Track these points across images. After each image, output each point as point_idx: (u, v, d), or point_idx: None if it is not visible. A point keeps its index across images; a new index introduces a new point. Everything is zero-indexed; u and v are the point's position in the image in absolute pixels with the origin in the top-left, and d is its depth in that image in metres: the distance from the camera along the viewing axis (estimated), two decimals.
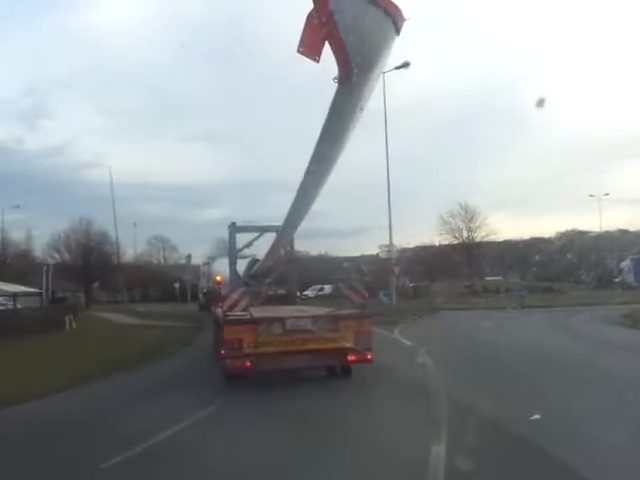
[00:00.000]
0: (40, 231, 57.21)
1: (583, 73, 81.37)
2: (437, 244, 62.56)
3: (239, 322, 10.25)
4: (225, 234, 20.80)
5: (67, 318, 23.93)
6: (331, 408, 8.55)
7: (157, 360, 14.88)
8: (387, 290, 31.41)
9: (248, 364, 9.91)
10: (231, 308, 10.49)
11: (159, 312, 37.24)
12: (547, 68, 79.20)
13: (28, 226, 50.96)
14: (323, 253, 67.68)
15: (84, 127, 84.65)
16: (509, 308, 33.35)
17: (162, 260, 71.56)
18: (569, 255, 54.80)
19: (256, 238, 20.48)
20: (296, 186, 10.97)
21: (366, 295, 11.68)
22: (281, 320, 10.36)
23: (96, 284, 55.40)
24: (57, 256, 48.18)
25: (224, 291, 13.09)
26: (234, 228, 20.25)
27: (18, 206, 51.04)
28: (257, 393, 9.73)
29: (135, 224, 61.15)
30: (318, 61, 6.43)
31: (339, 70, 7.03)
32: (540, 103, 12.49)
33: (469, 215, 60.26)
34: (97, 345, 17.65)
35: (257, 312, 11.27)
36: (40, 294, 27.19)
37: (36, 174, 65.60)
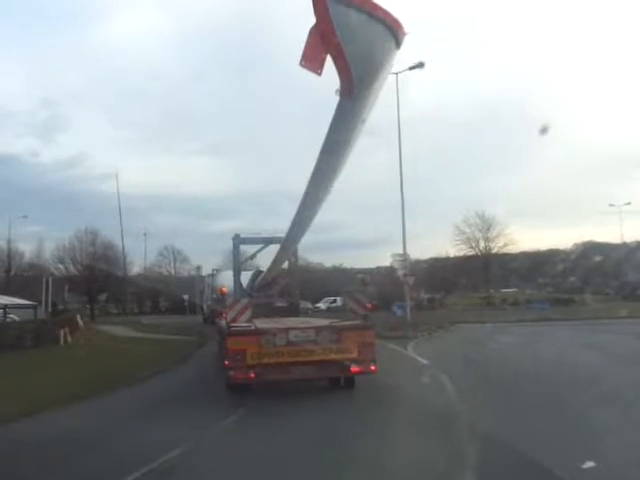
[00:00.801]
0: (53, 243, 57.00)
1: (604, 81, 79.42)
2: (452, 255, 60.82)
3: (243, 333, 10.28)
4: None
5: (62, 332, 22.63)
6: (340, 442, 7.15)
7: (144, 381, 13.41)
8: (400, 302, 29.76)
9: (252, 375, 9.91)
10: (235, 319, 10.56)
11: (164, 325, 36.41)
12: (567, 77, 78.40)
13: (40, 237, 50.18)
14: (338, 265, 67.11)
15: (98, 140, 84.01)
16: (530, 321, 31.57)
17: (173, 271, 70.99)
18: (588, 267, 52.75)
19: (260, 250, 20.83)
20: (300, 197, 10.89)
21: (369, 306, 11.42)
22: (284, 331, 10.33)
23: (104, 296, 54.38)
24: (62, 267, 47.28)
25: (228, 302, 12.82)
26: (238, 240, 20.42)
27: (26, 217, 50.66)
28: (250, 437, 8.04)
29: (145, 234, 61.09)
30: (320, 74, 6.51)
31: (341, 83, 7.11)
32: (544, 131, 12.75)
33: (486, 224, 58.26)
34: (85, 362, 16.30)
35: (261, 323, 11.26)
36: (34, 306, 25.86)
37: (50, 186, 65.82)
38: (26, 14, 76.69)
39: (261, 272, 22.25)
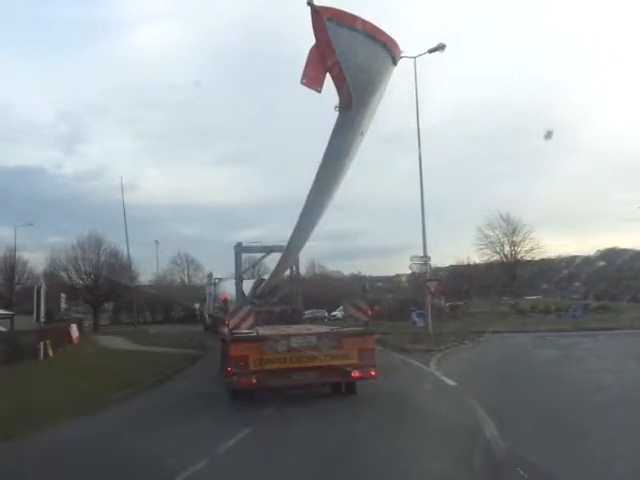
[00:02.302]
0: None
1: (630, 88, 76.12)
2: (473, 262, 57.80)
3: (245, 340, 10.39)
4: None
5: (42, 345, 20.28)
6: None
7: (103, 409, 10.86)
8: (421, 310, 26.92)
9: (254, 381, 10.02)
10: (238, 326, 10.58)
11: (168, 335, 34.35)
12: (591, 83, 75.45)
13: (53, 248, 48.23)
14: (356, 273, 66.37)
15: (119, 151, 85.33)
16: (565, 330, 28.44)
17: (187, 279, 69.29)
18: (615, 273, 49.47)
19: (262, 258, 21.52)
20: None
21: (370, 312, 11.48)
22: (286, 338, 10.46)
23: (110, 305, 52.43)
24: (64, 275, 45.16)
25: (231, 309, 12.87)
26: (240, 248, 20.67)
27: (31, 224, 48.95)
28: None
29: (157, 242, 59.58)
30: (320, 91, 7.05)
31: (340, 99, 7.50)
32: (548, 136, 13.06)
33: (511, 227, 54.92)
34: (46, 383, 13.82)
35: (263, 330, 11.27)
36: (11, 317, 23.56)
37: (71, 197, 66.56)
38: (46, 28, 79.18)
39: (263, 280, 22.45)
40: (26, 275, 47.03)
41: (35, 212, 63.74)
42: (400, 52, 7.78)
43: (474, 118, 72.02)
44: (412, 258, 24.80)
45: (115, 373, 15.41)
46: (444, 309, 42.20)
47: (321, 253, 75.53)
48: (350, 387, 10.95)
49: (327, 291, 50.14)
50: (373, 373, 10.42)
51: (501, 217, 54.82)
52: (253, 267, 24.17)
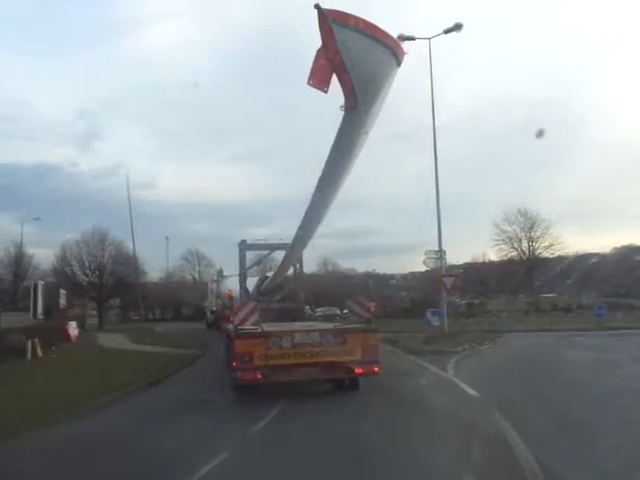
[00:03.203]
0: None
1: None
2: (489, 260, 56.06)
3: (250, 336, 10.51)
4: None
5: (29, 344, 19.01)
6: None
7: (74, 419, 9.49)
8: (436, 309, 25.26)
9: (259, 376, 10.14)
10: (243, 322, 10.79)
11: (172, 334, 33.47)
12: (608, 78, 73.19)
13: (63, 245, 47.22)
14: (370, 270, 64.68)
15: (134, 149, 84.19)
16: (591, 330, 26.62)
17: (197, 276, 68.24)
18: (629, 270, 47.47)
19: (266, 256, 21.76)
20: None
21: (372, 309, 11.70)
22: (291, 334, 10.60)
23: (116, 301, 51.41)
24: (68, 271, 44.03)
25: (236, 305, 13.09)
26: (244, 246, 20.42)
27: (38, 219, 48.08)
28: None
29: (167, 238, 58.68)
30: (326, 92, 7.34)
31: (345, 99, 7.83)
32: (540, 134, 13.23)
33: (529, 222, 52.90)
34: (19, 387, 12.44)
35: (267, 326, 11.37)
36: None
37: (87, 195, 66.08)
38: (62, 27, 79.12)
39: (267, 277, 22.23)
40: (31, 271, 46.01)
41: (51, 209, 64.75)
42: (404, 53, 7.85)
43: (488, 114, 70.45)
44: (427, 252, 23.15)
45: (102, 375, 14.13)
46: (460, 307, 40.50)
47: (335, 251, 76.16)
48: (353, 383, 11.05)
49: (340, 289, 48.98)
50: (376, 369, 10.53)
51: (519, 212, 52.97)
52: (258, 264, 23.96)
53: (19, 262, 46.05)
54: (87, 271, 43.65)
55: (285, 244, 18.49)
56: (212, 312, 36.20)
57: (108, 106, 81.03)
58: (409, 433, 7.68)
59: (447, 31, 23.69)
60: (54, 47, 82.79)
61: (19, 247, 46.76)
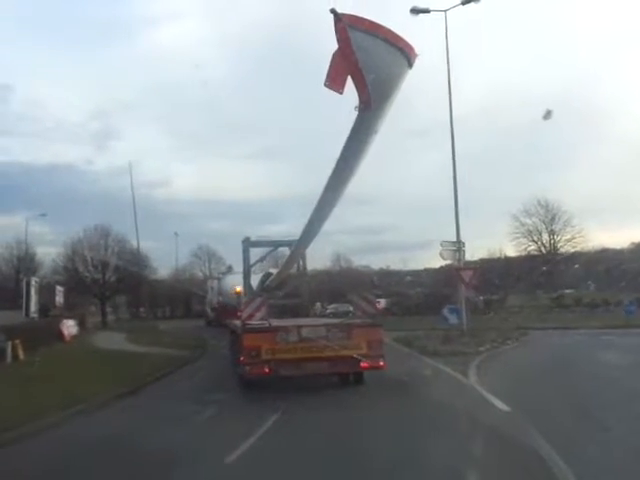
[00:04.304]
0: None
1: None
2: (505, 255, 53.85)
3: (258, 330, 10.76)
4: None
5: (9, 346, 17.46)
6: None
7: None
8: (453, 305, 23.32)
9: (266, 370, 10.37)
10: (250, 317, 11.05)
11: (175, 333, 31.63)
12: (628, 71, 70.52)
13: (64, 242, 45.96)
14: (385, 267, 63.49)
15: (149, 148, 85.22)
16: (622, 327, 24.52)
17: (208, 272, 66.93)
18: None
19: (269, 253, 22.10)
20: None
21: (377, 305, 12.29)
22: (297, 328, 10.83)
23: (122, 298, 50.06)
24: (70, 268, 42.60)
25: (243, 301, 13.02)
26: (248, 243, 21.16)
27: (45, 214, 46.76)
28: None
29: (176, 234, 57.49)
30: (342, 93, 7.57)
31: (359, 100, 8.00)
32: (547, 115, 12.76)
33: (550, 214, 50.55)
34: None
35: (274, 321, 11.58)
36: None
37: (103, 194, 63.47)
38: (78, 27, 78.48)
39: (270, 274, 22.55)
40: (34, 268, 44.63)
41: (64, 208, 63.44)
42: (415, 55, 8.06)
43: (505, 108, 68.16)
44: (443, 243, 21.19)
45: (76, 383, 12.36)
46: (478, 303, 38.41)
47: (349, 247, 76.71)
48: (358, 378, 11.23)
49: (353, 285, 47.49)
50: (381, 363, 10.71)
51: (539, 203, 50.67)
52: (261, 261, 23.77)
53: (21, 259, 44.80)
54: (90, 267, 42.22)
55: (288, 241, 18.58)
56: (212, 309, 35.42)
57: (123, 105, 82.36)
58: (430, 467, 5.89)
59: (464, 2, 21.77)
60: (68, 46, 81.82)
61: (25, 244, 45.77)
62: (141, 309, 52.22)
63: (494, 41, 71.90)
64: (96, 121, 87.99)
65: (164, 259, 61.95)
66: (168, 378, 14.35)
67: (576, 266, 46.11)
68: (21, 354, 17.89)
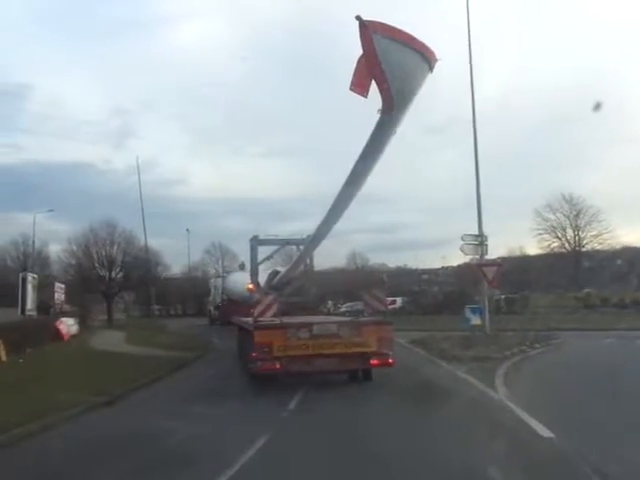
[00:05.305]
0: None
1: None
2: (525, 253, 51.77)
3: (269, 327, 10.99)
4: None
5: None
6: None
7: None
8: (474, 305, 21.49)
9: (277, 366, 10.57)
10: (262, 314, 11.20)
11: (182, 333, 30.39)
12: None
13: (77, 238, 44.89)
14: (402, 265, 62.13)
15: (167, 146, 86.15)
16: None
17: (220, 270, 65.83)
18: None
19: (277, 251, 21.58)
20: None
21: (387, 303, 12.96)
22: (308, 325, 11.01)
23: (131, 296, 48.94)
24: (74, 262, 41.48)
25: (255, 298, 12.53)
26: (256, 241, 20.86)
27: (52, 210, 45.81)
28: None
29: (188, 230, 56.66)
30: (366, 97, 7.80)
31: (383, 103, 8.24)
32: (597, 107, 13.30)
33: (574, 209, 48.27)
34: None
35: (285, 319, 11.52)
36: None
37: (120, 192, 63.12)
38: (95, 26, 79.27)
39: (278, 272, 21.30)
40: (37, 266, 43.58)
41: (83, 206, 63.55)
42: (436, 60, 8.42)
43: (523, 106, 66.62)
44: (464, 237, 19.35)
45: (50, 390, 10.90)
46: (499, 302, 36.42)
47: (366, 245, 76.27)
48: (367, 375, 11.39)
49: (363, 284, 45.80)
50: (391, 361, 10.91)
51: (563, 198, 48.41)
52: (268, 259, 22.73)
53: (28, 255, 43.82)
54: (96, 264, 41.03)
55: (296, 240, 18.79)
56: (216, 308, 34.62)
57: (141, 104, 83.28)
58: None
59: None
60: (86, 46, 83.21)
61: (32, 240, 44.80)
62: (153, 307, 51.34)
63: (521, 36, 70.19)
64: (114, 120, 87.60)
65: (179, 257, 61.13)
66: (156, 385, 12.81)
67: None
68: (3, 355, 16.54)
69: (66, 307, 33.39)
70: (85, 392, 10.87)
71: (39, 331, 21.17)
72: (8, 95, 74.33)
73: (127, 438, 7.72)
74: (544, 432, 6.99)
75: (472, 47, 19.83)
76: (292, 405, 9.55)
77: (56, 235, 47.17)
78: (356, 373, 11.55)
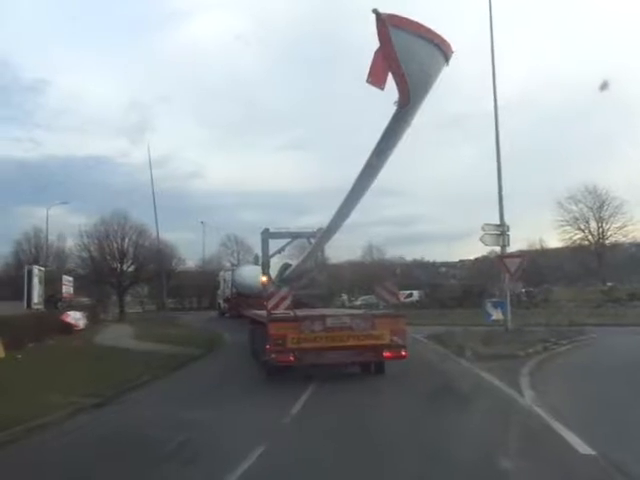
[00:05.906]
0: None
1: None
2: (543, 246, 50.31)
3: (283, 319, 11.05)
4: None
5: None
6: None
7: None
8: (497, 298, 20.35)
9: (291, 358, 10.68)
10: (275, 307, 11.28)
11: (192, 326, 29.77)
12: None
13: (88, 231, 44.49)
14: (419, 259, 62.64)
15: (184, 140, 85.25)
16: None
17: (236, 262, 65.44)
18: None
19: (287, 244, 21.79)
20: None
21: (399, 295, 12.80)
22: (322, 318, 11.08)
23: (144, 289, 48.47)
24: (86, 256, 41.06)
25: (269, 291, 13.10)
26: (267, 234, 21.50)
27: (66, 202, 45.39)
28: None
29: (202, 223, 56.30)
30: (383, 89, 7.98)
31: (399, 95, 8.47)
32: (604, 86, 12.75)
33: (598, 201, 46.60)
34: None
35: (299, 311, 11.81)
36: None
37: (138, 187, 63.42)
38: (113, 21, 79.95)
39: (289, 265, 22.21)
40: (51, 259, 43.32)
41: (101, 200, 63.28)
42: (452, 52, 8.41)
43: (542, 96, 65.18)
44: (484, 227, 18.19)
45: (39, 391, 10.15)
46: (520, 296, 35.13)
47: (383, 238, 77.03)
48: (379, 367, 11.45)
49: (376, 277, 45.14)
50: (404, 353, 10.95)
51: (586, 189, 46.75)
52: (280, 252, 23.30)
53: (40, 248, 43.50)
54: (107, 256, 40.51)
55: (307, 233, 18.99)
56: (225, 301, 34.26)
57: (159, 98, 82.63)
58: None
59: None
60: (103, 40, 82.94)
61: (44, 233, 44.48)
62: (166, 300, 50.91)
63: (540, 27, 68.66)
64: (131, 114, 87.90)
65: (195, 250, 60.93)
66: (154, 384, 12.01)
67: (630, 254, 42.04)
68: (1, 351, 15.87)
69: (79, 300, 33.00)
70: (77, 393, 10.12)
71: (43, 325, 20.59)
72: (27, 90, 75.44)
73: (112, 445, 6.92)
74: (582, 448, 5.97)
75: (494, 37, 18.86)
76: (295, 410, 8.64)
77: (74, 229, 47.20)
78: (369, 366, 11.59)
